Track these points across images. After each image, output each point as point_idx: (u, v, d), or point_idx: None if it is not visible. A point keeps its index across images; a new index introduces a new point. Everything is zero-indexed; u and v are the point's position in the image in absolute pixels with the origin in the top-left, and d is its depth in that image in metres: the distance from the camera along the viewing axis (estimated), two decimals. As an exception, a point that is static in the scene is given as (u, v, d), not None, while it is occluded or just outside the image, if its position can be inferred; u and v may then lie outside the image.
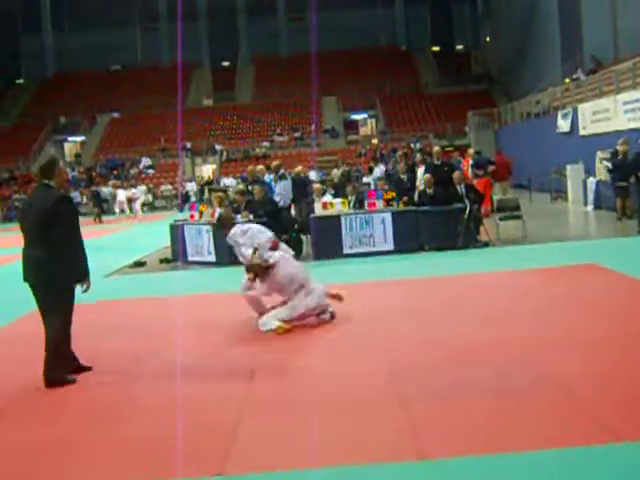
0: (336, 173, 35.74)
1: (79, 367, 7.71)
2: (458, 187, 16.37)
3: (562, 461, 4.80)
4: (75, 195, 44.19)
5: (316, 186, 18.06)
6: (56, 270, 7.21)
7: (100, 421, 6.32)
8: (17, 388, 7.50)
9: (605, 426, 5.30)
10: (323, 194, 17.15)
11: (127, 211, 37.09)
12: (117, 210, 37.47)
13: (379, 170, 30.48)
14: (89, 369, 7.75)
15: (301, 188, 19.63)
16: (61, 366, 7.43)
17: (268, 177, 18.42)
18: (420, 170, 19.16)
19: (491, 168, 24.49)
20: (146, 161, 51.26)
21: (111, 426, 6.16)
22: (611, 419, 5.42)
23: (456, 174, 16.98)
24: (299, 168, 22.74)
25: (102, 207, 38.61)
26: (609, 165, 20.09)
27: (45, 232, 7.19)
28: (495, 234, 16.56)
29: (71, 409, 6.76)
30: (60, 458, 5.53)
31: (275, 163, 19.15)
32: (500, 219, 17.07)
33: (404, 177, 19.31)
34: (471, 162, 23.97)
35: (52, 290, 7.32)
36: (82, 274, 7.41)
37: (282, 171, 18.52)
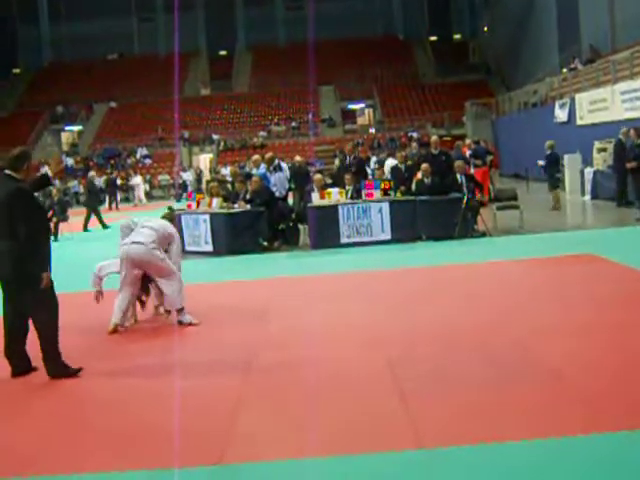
0: (336, 163, 35.63)
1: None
2: (458, 176, 16.38)
3: (558, 450, 4.81)
4: (74, 185, 44.16)
5: (317, 177, 18.04)
6: (23, 262, 7.03)
7: (98, 412, 6.33)
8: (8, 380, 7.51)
9: (600, 414, 5.31)
10: (324, 187, 17.08)
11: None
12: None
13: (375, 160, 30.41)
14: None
15: (301, 178, 19.59)
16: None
17: (263, 167, 18.33)
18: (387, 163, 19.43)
19: (489, 158, 24.48)
20: (142, 151, 51.21)
21: (109, 417, 6.17)
22: (605, 407, 5.44)
23: (457, 163, 16.99)
24: (298, 158, 22.67)
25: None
26: (541, 162, 21.84)
27: (5, 225, 7.04)
28: (492, 224, 16.57)
29: (69, 400, 6.76)
30: (59, 447, 5.54)
31: (268, 155, 18.91)
32: (498, 209, 17.06)
33: (402, 167, 19.28)
34: (469, 152, 23.94)
35: (25, 284, 7.15)
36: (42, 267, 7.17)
37: (277, 162, 18.45)
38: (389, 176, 18.78)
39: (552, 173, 21.01)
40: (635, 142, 17.61)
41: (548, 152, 21.31)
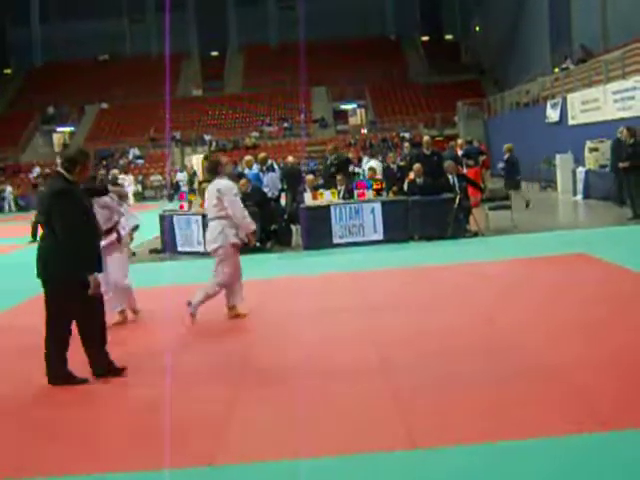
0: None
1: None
2: (450, 177, 16.39)
3: (551, 449, 4.81)
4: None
5: (308, 177, 18.03)
6: (63, 263, 6.88)
7: (91, 412, 6.32)
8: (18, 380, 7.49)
9: (599, 414, 5.32)
10: (316, 188, 17.09)
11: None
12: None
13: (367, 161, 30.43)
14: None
15: (293, 178, 19.61)
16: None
17: (256, 167, 18.37)
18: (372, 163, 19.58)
19: (482, 158, 24.51)
20: (134, 152, 51.13)
21: (102, 417, 6.16)
22: (605, 407, 5.44)
23: (447, 163, 16.99)
24: (290, 158, 22.68)
25: None
26: (501, 165, 22.39)
27: (49, 224, 6.97)
28: (485, 224, 16.58)
29: (63, 401, 6.74)
30: (51, 448, 5.52)
31: (261, 155, 18.99)
32: (490, 209, 17.06)
33: (394, 167, 19.29)
34: (460, 152, 23.96)
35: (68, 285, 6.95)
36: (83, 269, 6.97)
37: (270, 162, 18.44)
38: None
39: (511, 176, 21.62)
40: (627, 141, 17.62)
41: (506, 156, 22.00)
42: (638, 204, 16.89)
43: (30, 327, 8.53)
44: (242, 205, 9.37)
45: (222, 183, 9.38)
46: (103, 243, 8.60)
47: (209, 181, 9.93)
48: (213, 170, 9.68)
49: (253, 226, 9.49)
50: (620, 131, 18.57)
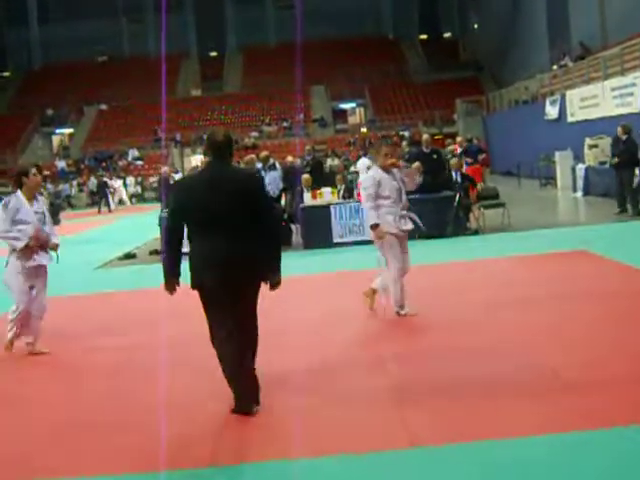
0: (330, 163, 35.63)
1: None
2: (453, 174, 16.40)
3: (552, 447, 4.81)
4: (65, 188, 44.04)
5: (304, 177, 18.05)
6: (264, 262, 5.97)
7: (93, 412, 6.31)
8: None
9: (595, 411, 5.31)
10: (312, 187, 17.10)
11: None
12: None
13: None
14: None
15: (292, 178, 19.63)
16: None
17: (258, 166, 18.41)
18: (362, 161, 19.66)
19: (481, 156, 24.52)
20: (133, 153, 51.10)
21: (104, 417, 6.15)
22: (601, 404, 5.43)
23: (453, 161, 17.03)
24: (290, 158, 22.71)
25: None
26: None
27: (253, 220, 5.84)
28: (480, 222, 16.55)
29: (64, 400, 6.74)
30: (52, 449, 5.52)
31: (263, 154, 19.12)
32: (484, 207, 16.99)
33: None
34: (460, 150, 23.97)
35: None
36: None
37: (271, 162, 18.48)
38: (363, 175, 18.88)
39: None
40: (620, 138, 17.71)
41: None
42: (630, 199, 16.99)
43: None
44: None
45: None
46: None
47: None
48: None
49: None
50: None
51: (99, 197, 38.19)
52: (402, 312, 8.77)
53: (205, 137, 6.18)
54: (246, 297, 5.98)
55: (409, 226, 9.05)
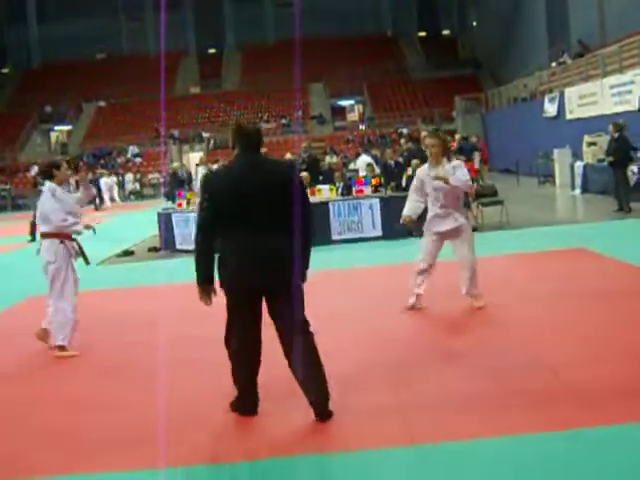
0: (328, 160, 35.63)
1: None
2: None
3: (549, 445, 4.82)
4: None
5: (303, 174, 18.05)
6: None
7: (94, 410, 6.32)
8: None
9: (593, 408, 5.32)
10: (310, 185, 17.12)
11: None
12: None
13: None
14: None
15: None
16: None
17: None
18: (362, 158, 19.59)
19: (475, 154, 24.56)
20: (133, 149, 51.05)
21: (104, 414, 6.16)
22: (598, 400, 5.45)
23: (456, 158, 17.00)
24: (289, 155, 22.71)
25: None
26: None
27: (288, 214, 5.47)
28: (479, 220, 16.56)
29: (64, 398, 6.74)
30: (54, 446, 5.53)
31: (263, 151, 19.14)
32: (483, 205, 17.01)
33: (392, 163, 19.29)
34: (455, 147, 23.99)
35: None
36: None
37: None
38: (362, 172, 18.90)
39: None
40: (613, 136, 17.78)
41: None
42: (624, 197, 17.05)
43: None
44: None
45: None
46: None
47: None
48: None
49: None
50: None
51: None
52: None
53: (232, 129, 5.96)
54: (289, 298, 5.51)
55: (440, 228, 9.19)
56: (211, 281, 5.58)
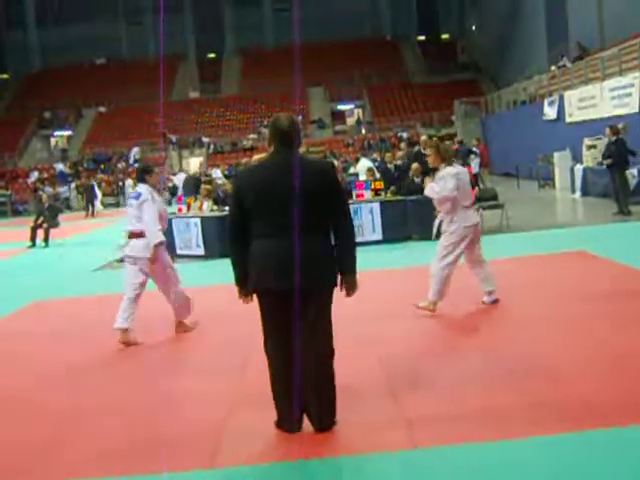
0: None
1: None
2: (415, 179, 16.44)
3: (554, 448, 4.81)
4: (64, 190, 43.96)
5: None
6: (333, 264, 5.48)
7: (92, 415, 6.31)
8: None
9: (595, 411, 5.31)
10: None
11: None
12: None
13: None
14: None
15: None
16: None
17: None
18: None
19: (472, 158, 24.57)
20: (136, 152, 50.99)
21: (103, 420, 6.15)
22: (600, 404, 5.44)
23: (413, 166, 17.10)
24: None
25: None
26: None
27: (325, 216, 5.37)
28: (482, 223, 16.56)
29: (63, 403, 6.73)
30: (50, 454, 5.52)
31: (256, 157, 19.07)
32: (483, 208, 16.98)
33: (391, 167, 19.29)
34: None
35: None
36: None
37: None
38: (363, 177, 18.89)
39: None
40: (610, 139, 17.82)
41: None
42: (623, 200, 17.07)
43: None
44: None
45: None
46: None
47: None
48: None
49: None
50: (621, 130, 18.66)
51: (85, 201, 37.99)
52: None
53: (269, 124, 5.64)
54: (315, 302, 5.38)
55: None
56: (245, 280, 5.43)
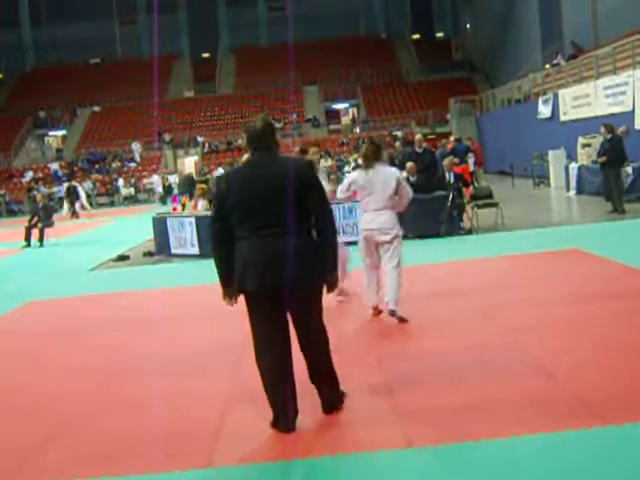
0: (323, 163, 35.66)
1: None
2: (447, 174, 16.42)
3: (549, 446, 4.82)
4: (59, 189, 43.86)
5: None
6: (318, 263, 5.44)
7: (87, 415, 6.31)
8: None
9: (591, 410, 5.32)
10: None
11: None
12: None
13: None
14: None
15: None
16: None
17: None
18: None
19: (469, 156, 24.58)
20: (136, 147, 50.86)
21: (98, 420, 6.15)
22: (596, 402, 5.44)
23: (446, 161, 17.04)
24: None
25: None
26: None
27: (305, 215, 5.38)
28: (474, 222, 16.56)
29: (59, 403, 6.72)
30: (44, 453, 5.51)
31: (246, 156, 19.08)
32: (478, 207, 17.01)
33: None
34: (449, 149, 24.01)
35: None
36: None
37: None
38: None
39: None
40: (605, 138, 17.85)
41: None
42: (617, 198, 17.10)
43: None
44: None
45: (394, 170, 9.14)
46: None
47: (359, 167, 9.22)
48: (376, 155, 8.92)
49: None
50: (621, 131, 18.69)
51: (69, 202, 37.74)
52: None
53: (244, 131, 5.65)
54: (299, 302, 5.42)
55: None
56: (232, 285, 5.45)
